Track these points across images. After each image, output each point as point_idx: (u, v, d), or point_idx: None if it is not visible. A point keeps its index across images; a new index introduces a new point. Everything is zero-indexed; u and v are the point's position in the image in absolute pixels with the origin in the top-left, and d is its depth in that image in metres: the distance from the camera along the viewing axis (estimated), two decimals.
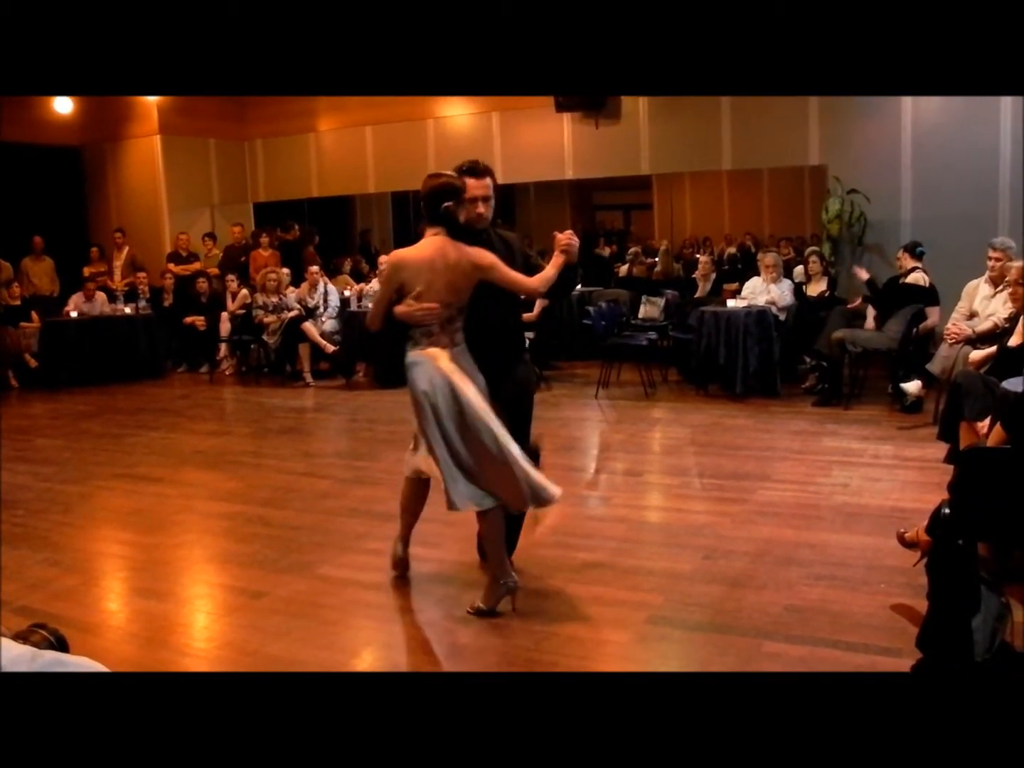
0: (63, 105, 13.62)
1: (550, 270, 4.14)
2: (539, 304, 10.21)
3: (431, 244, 4.06)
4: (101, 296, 12.29)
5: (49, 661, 1.23)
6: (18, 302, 12.21)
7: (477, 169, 4.24)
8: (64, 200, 14.43)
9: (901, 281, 8.42)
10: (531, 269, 4.27)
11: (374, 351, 10.51)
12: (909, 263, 8.43)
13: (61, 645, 1.38)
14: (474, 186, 4.19)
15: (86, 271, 13.13)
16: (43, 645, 1.36)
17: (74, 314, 11.77)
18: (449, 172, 4.20)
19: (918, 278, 8.26)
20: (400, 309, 4.06)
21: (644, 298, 10.89)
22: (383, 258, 12.02)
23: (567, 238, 4.17)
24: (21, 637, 1.37)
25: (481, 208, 4.22)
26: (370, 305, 10.74)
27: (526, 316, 10.13)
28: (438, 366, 4.01)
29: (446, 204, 4.04)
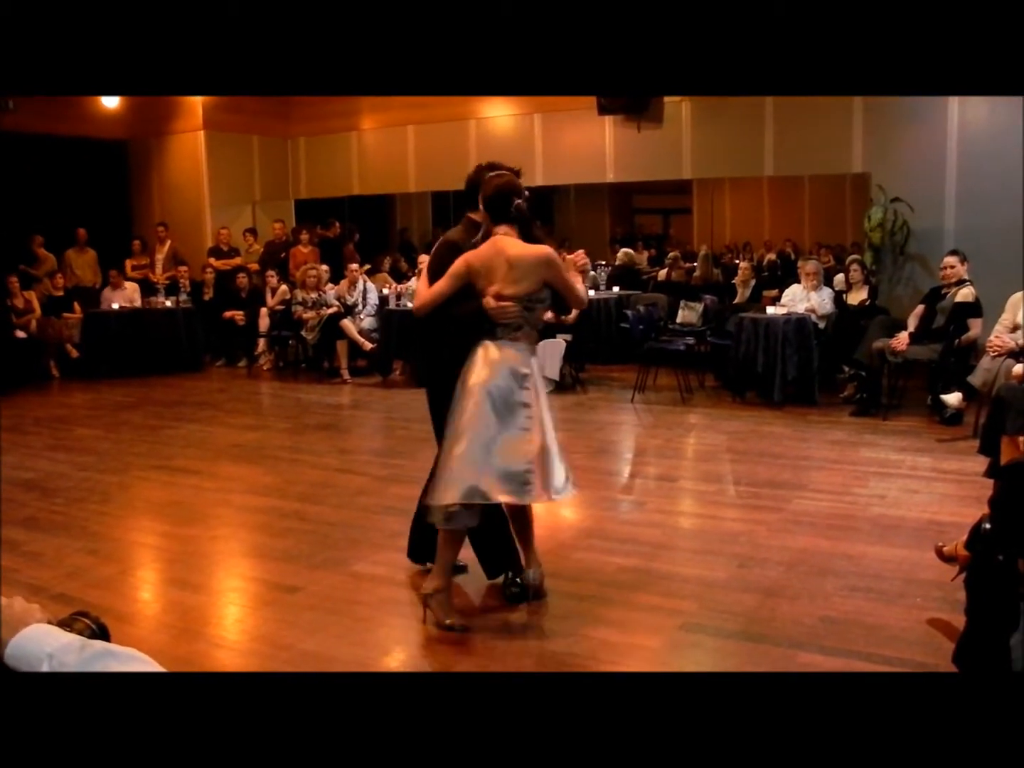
0: (110, 100, 13.77)
1: (577, 286, 4.08)
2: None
3: (493, 243, 3.98)
4: (132, 286, 12.42)
5: (99, 651, 1.25)
6: (61, 293, 12.38)
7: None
8: (108, 193, 14.60)
9: (946, 293, 8.23)
10: None
11: (412, 350, 10.57)
12: (962, 272, 8.20)
13: (103, 633, 1.40)
14: None
15: (128, 264, 13.27)
16: (85, 633, 1.37)
17: (115, 306, 11.90)
18: (505, 167, 4.13)
19: (968, 294, 8.08)
20: (490, 303, 3.95)
21: (682, 303, 10.85)
22: (423, 257, 12.06)
23: (580, 256, 4.20)
24: (64, 624, 1.38)
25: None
26: (409, 304, 10.85)
27: (564, 318, 10.13)
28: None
29: (518, 202, 3.97)
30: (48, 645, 1.26)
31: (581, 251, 4.24)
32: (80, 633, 1.36)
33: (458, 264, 4.01)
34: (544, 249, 3.96)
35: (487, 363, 3.95)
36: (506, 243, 3.95)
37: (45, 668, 1.24)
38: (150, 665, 1.24)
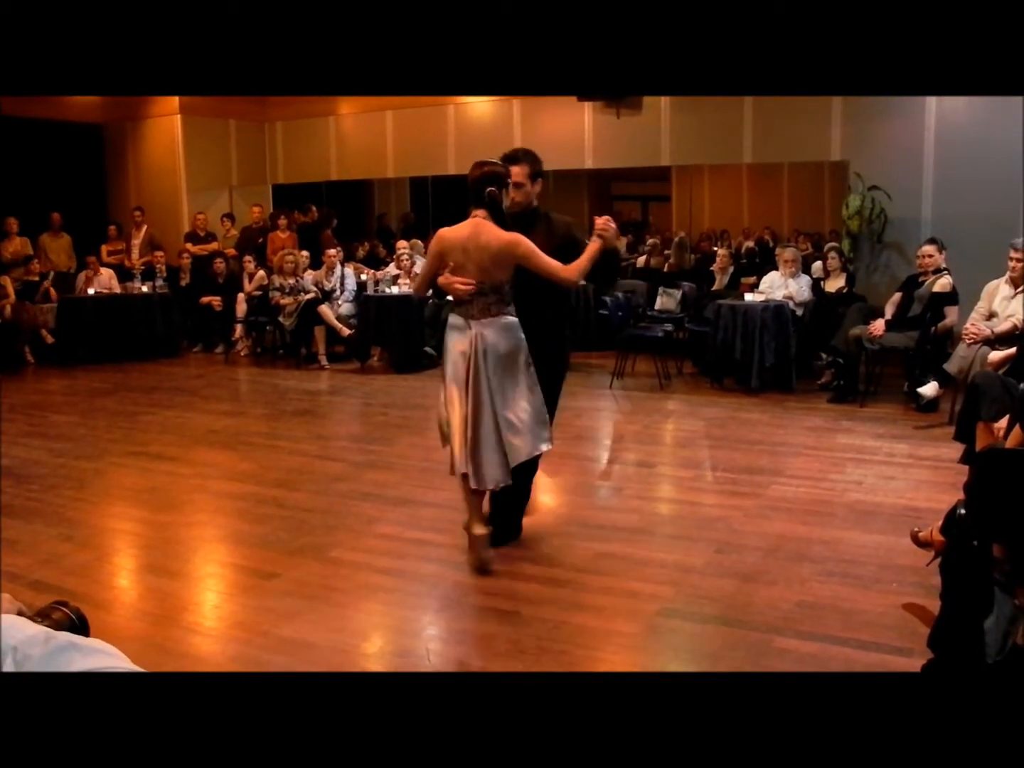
0: None
1: (583, 258, 4.37)
2: None
3: (468, 225, 4.40)
4: (108, 272, 12.32)
5: (63, 644, 1.22)
6: (36, 278, 12.26)
7: (510, 156, 4.66)
8: (84, 178, 14.42)
9: (923, 281, 8.27)
10: (572, 255, 4.44)
11: (391, 336, 10.59)
12: (940, 261, 8.24)
13: (82, 623, 1.38)
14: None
15: (104, 249, 13.16)
16: (64, 623, 1.36)
17: (91, 291, 11.81)
18: (495, 160, 4.54)
19: (946, 284, 8.11)
20: (440, 279, 4.43)
21: (661, 290, 10.86)
22: (401, 243, 12.03)
23: (603, 223, 4.42)
24: (43, 614, 1.36)
25: (511, 193, 4.56)
26: (387, 290, 10.84)
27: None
28: (451, 333, 4.50)
29: (489, 189, 4.36)
30: (12, 638, 1.23)
31: (607, 216, 4.53)
32: (58, 622, 1.34)
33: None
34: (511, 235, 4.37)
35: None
36: (480, 227, 4.41)
37: (8, 661, 1.21)
38: (115, 657, 1.22)
